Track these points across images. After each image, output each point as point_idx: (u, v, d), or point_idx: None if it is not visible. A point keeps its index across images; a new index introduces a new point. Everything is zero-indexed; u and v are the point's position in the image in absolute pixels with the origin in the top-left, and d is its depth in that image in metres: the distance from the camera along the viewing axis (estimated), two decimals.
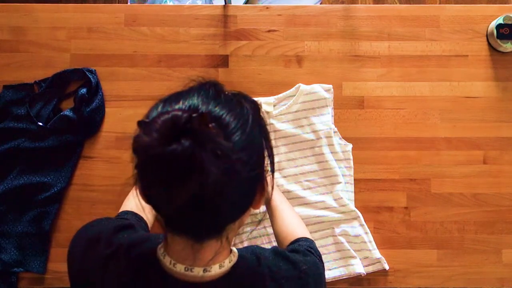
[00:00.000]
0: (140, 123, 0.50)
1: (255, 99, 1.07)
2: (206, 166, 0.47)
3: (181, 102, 0.53)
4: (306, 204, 1.06)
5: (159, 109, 0.54)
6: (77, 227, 1.07)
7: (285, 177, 1.08)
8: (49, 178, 1.08)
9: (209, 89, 0.56)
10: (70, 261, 0.69)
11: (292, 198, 1.06)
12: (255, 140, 0.56)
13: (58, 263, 1.08)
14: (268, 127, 1.08)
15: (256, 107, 0.60)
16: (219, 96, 0.55)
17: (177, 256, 0.59)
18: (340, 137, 1.09)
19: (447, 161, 1.10)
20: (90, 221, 0.73)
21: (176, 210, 0.51)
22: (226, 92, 0.58)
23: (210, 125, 0.49)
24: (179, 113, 0.48)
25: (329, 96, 1.10)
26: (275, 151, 1.08)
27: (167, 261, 0.59)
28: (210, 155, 0.47)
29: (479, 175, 1.10)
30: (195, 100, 0.53)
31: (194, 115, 0.48)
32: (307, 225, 1.06)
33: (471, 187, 1.09)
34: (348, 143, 1.09)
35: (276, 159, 1.08)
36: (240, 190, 0.53)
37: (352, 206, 1.06)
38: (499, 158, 1.10)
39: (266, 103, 1.09)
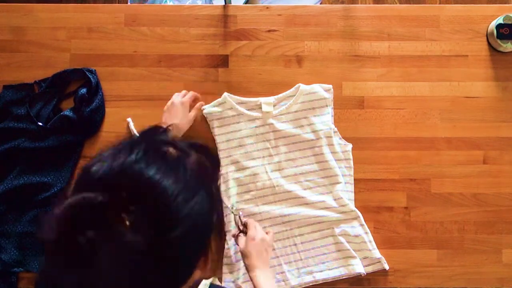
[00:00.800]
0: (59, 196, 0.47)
1: (255, 99, 1.09)
2: (99, 263, 0.44)
3: (110, 163, 0.49)
4: (306, 204, 1.06)
5: (95, 167, 0.49)
6: None
7: (285, 177, 1.08)
8: (49, 178, 1.08)
9: (149, 149, 0.51)
10: None
11: (292, 198, 1.06)
12: (199, 224, 0.50)
13: None
14: (268, 127, 1.07)
15: (203, 165, 0.55)
16: (155, 157, 0.50)
17: None
18: (340, 137, 1.09)
19: (447, 161, 1.10)
20: None
21: None
22: (169, 146, 0.53)
23: (123, 215, 0.44)
24: (93, 195, 0.44)
25: (329, 96, 1.10)
26: (275, 151, 1.08)
27: None
28: (108, 255, 0.44)
29: (479, 175, 1.09)
30: (125, 162, 0.49)
31: (107, 198, 0.44)
32: (307, 225, 1.06)
33: (471, 187, 1.09)
34: (348, 143, 1.09)
35: (276, 159, 1.08)
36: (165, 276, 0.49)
37: (352, 206, 1.06)
38: (499, 158, 1.10)
39: (266, 103, 1.09)
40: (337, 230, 1.05)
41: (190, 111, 1.06)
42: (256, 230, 0.95)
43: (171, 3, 1.43)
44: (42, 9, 1.15)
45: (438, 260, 1.07)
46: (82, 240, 0.43)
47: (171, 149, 0.53)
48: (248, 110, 1.10)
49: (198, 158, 0.54)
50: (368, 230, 1.05)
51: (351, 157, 1.08)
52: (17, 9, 1.14)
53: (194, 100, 1.08)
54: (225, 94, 1.10)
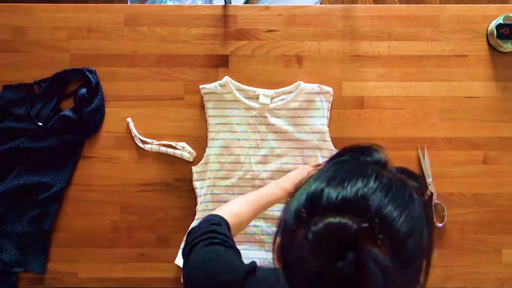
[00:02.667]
0: (301, 219, 0.48)
1: (254, 89, 1.09)
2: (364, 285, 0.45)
3: (348, 189, 0.49)
4: (281, 202, 1.07)
5: (326, 194, 0.49)
6: (77, 227, 1.09)
7: (267, 171, 1.08)
8: (49, 178, 1.08)
9: (378, 173, 0.51)
10: None
11: None
12: (422, 244, 0.51)
13: (58, 263, 1.08)
14: (261, 119, 1.08)
15: (423, 194, 0.55)
16: (389, 186, 0.50)
17: None
18: (333, 148, 1.08)
19: (447, 161, 1.10)
20: (205, 249, 0.71)
21: None
22: (391, 171, 0.53)
23: (378, 239, 0.46)
24: (348, 222, 0.45)
25: (328, 99, 1.10)
26: (263, 143, 1.09)
27: None
28: (372, 277, 0.45)
29: (479, 175, 1.09)
30: (364, 190, 0.49)
31: (364, 225, 0.45)
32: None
33: (471, 187, 1.09)
34: None
35: (262, 152, 1.09)
36: None
37: None
38: (499, 158, 1.10)
39: (264, 94, 1.09)
40: None
41: None
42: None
43: (171, 3, 1.43)
44: (42, 9, 1.15)
45: (438, 260, 1.06)
46: (343, 264, 0.44)
47: (393, 175, 0.53)
48: (246, 98, 1.10)
49: (417, 187, 0.54)
50: None
51: None
52: (17, 9, 1.14)
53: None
54: (227, 77, 1.10)
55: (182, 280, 0.72)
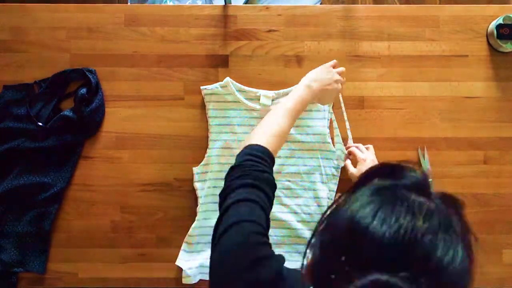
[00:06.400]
0: (343, 270, 0.44)
1: (255, 90, 1.09)
2: None
3: (394, 229, 0.45)
4: (281, 204, 1.07)
5: (371, 233, 0.45)
6: (77, 227, 1.09)
7: None
8: (49, 178, 1.08)
9: (425, 209, 0.47)
10: None
11: None
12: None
13: (58, 263, 1.08)
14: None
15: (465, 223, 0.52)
16: (437, 226, 0.47)
17: None
18: (333, 149, 1.08)
19: (447, 161, 1.10)
20: (247, 230, 0.67)
21: None
22: (435, 202, 0.49)
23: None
24: (397, 282, 0.42)
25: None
26: None
27: None
28: None
29: (479, 175, 1.09)
30: (412, 233, 0.45)
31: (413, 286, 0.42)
32: (277, 228, 1.07)
33: (471, 187, 1.09)
34: (340, 163, 1.08)
35: None
36: None
37: (317, 217, 1.06)
38: (499, 158, 1.10)
39: (265, 96, 1.09)
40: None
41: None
42: (363, 152, 1.04)
43: (171, 3, 1.44)
44: (42, 9, 1.15)
45: None
46: None
47: (438, 209, 0.49)
48: (247, 99, 1.10)
49: (462, 221, 0.51)
50: None
51: (339, 173, 1.08)
52: (17, 9, 1.14)
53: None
54: (228, 78, 1.10)
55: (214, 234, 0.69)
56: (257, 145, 0.80)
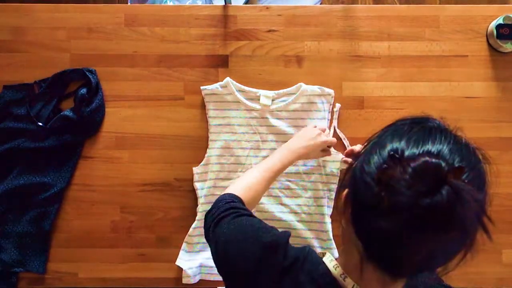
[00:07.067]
0: (394, 158, 0.51)
1: (255, 90, 1.10)
2: (467, 224, 0.50)
3: (429, 145, 0.53)
4: (281, 204, 1.07)
5: (410, 149, 0.54)
6: (77, 227, 1.09)
7: None
8: (49, 178, 1.08)
9: (449, 134, 0.57)
10: (238, 260, 0.65)
11: (268, 196, 1.07)
12: (486, 191, 0.59)
13: (58, 263, 1.08)
14: (262, 121, 1.10)
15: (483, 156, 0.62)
16: (459, 144, 0.56)
17: (365, 284, 0.59)
18: (333, 149, 1.07)
19: None
20: (235, 221, 0.71)
21: (397, 253, 0.53)
22: (457, 136, 0.59)
23: (464, 180, 0.51)
24: (441, 162, 0.50)
25: (328, 101, 1.10)
26: (264, 145, 1.09)
27: (348, 284, 0.59)
28: (473, 213, 0.49)
29: None
30: (443, 147, 0.54)
31: (458, 164, 0.51)
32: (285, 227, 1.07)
33: None
34: (342, 165, 1.07)
35: (263, 153, 1.09)
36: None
37: (319, 216, 1.07)
38: (499, 158, 1.10)
39: (265, 96, 1.09)
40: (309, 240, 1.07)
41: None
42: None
43: (171, 3, 1.44)
44: (42, 9, 1.15)
45: None
46: (439, 197, 0.48)
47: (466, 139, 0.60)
48: (247, 99, 1.10)
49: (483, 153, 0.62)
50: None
51: (339, 174, 1.08)
52: (17, 9, 1.14)
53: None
54: (228, 78, 1.10)
55: (213, 257, 0.70)
56: (229, 194, 0.82)
